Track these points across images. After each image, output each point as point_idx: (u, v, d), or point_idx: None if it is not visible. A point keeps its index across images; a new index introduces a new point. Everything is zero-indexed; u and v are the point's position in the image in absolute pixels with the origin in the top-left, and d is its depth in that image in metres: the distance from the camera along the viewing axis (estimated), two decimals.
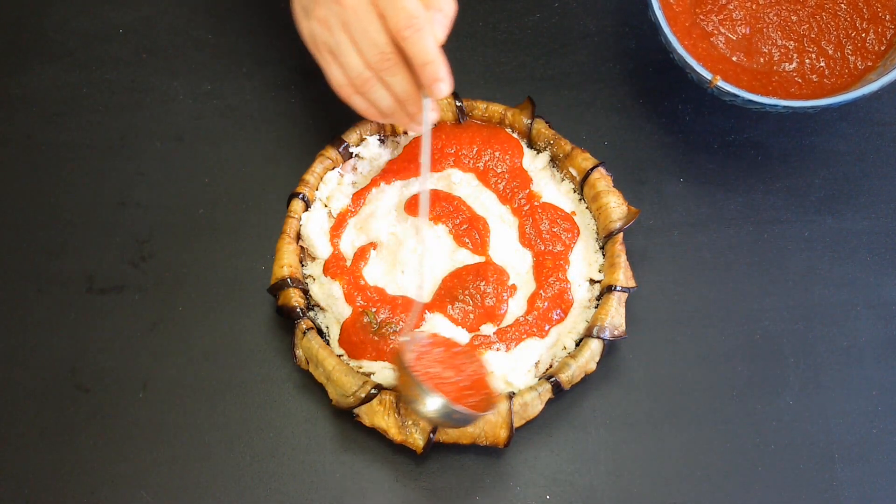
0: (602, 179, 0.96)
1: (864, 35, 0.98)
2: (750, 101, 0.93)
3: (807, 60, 0.98)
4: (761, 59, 0.98)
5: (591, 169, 0.96)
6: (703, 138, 1.03)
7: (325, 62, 0.88)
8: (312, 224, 0.95)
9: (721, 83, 0.92)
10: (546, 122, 0.99)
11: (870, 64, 0.97)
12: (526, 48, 1.08)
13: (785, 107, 0.92)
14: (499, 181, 0.97)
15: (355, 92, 0.87)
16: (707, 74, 0.93)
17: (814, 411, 0.92)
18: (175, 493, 0.89)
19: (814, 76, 0.97)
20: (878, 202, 1.01)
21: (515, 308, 0.92)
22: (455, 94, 1.00)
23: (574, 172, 0.98)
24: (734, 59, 0.98)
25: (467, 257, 0.94)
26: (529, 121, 0.99)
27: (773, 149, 1.03)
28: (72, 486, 0.90)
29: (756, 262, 0.98)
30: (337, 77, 0.87)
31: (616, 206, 0.95)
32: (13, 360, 0.95)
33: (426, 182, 0.89)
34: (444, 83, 0.82)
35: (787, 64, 0.98)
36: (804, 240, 0.99)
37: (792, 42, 0.98)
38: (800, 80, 0.97)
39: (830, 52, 0.98)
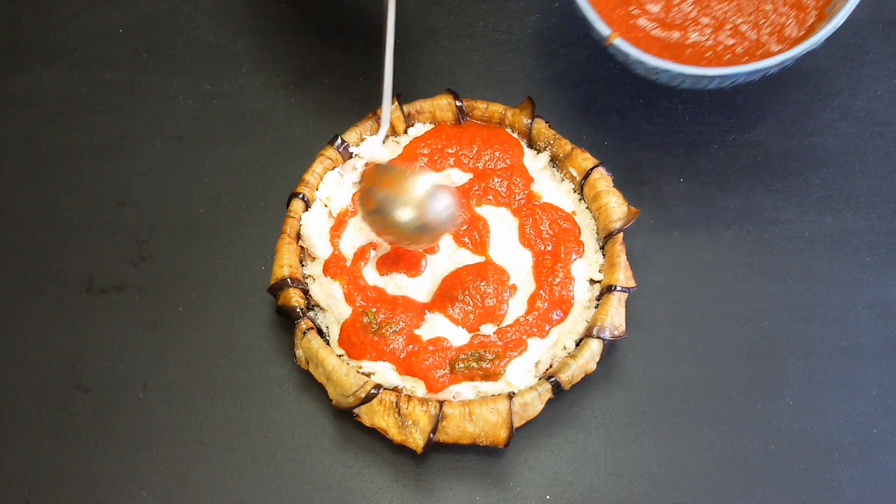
0: (602, 179, 0.96)
1: (784, 20, 0.97)
2: (642, 62, 0.90)
3: (720, 38, 0.97)
4: (676, 34, 0.97)
5: (592, 169, 0.96)
6: (703, 138, 1.03)
7: None
8: (312, 224, 0.95)
9: (618, 41, 0.90)
10: (546, 122, 0.99)
11: (785, 47, 0.95)
12: (526, 48, 1.09)
13: (679, 73, 0.90)
14: (499, 181, 0.97)
15: None
16: (605, 30, 0.91)
17: (814, 411, 0.92)
18: (175, 493, 0.89)
19: (727, 55, 0.96)
20: (878, 202, 1.01)
21: (515, 308, 0.92)
22: (455, 94, 1.00)
23: (574, 172, 0.98)
24: (651, 30, 0.97)
25: (467, 257, 0.94)
26: (529, 121, 0.99)
27: (773, 149, 1.03)
28: (72, 486, 0.90)
29: (756, 262, 0.98)
30: None
31: (616, 206, 0.95)
32: (13, 360, 0.95)
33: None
34: None
35: (700, 37, 0.97)
36: (804, 240, 0.99)
37: (708, 18, 0.98)
38: (711, 55, 0.96)
39: (746, 31, 0.97)
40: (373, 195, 0.87)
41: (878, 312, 0.96)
